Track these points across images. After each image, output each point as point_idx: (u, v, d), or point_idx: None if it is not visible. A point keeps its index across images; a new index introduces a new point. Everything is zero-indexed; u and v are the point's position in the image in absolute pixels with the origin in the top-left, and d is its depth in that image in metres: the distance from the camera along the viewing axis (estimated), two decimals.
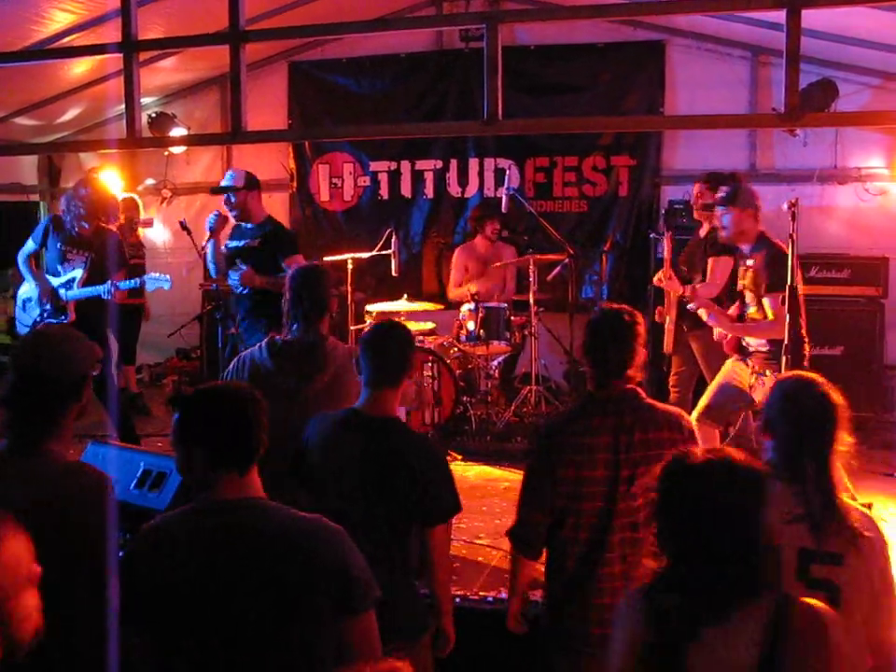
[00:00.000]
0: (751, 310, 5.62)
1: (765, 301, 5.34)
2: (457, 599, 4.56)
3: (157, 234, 10.18)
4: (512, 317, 7.75)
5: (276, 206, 10.03)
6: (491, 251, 8.52)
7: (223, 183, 6.74)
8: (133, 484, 5.17)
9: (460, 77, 9.18)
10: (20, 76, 7.39)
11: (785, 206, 5.15)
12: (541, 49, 8.99)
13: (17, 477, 2.74)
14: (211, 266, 6.74)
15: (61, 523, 2.60)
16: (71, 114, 9.21)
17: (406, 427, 3.68)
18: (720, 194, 5.73)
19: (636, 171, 8.98)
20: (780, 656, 2.08)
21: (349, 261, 8.07)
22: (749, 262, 5.57)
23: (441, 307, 8.40)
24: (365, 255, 8.21)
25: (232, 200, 6.59)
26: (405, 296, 8.11)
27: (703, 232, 6.62)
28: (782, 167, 8.57)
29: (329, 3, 8.04)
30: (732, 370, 5.85)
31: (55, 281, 6.89)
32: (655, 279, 6.50)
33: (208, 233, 6.66)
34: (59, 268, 6.92)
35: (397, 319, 8.14)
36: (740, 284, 5.74)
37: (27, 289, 7.04)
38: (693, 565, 2.17)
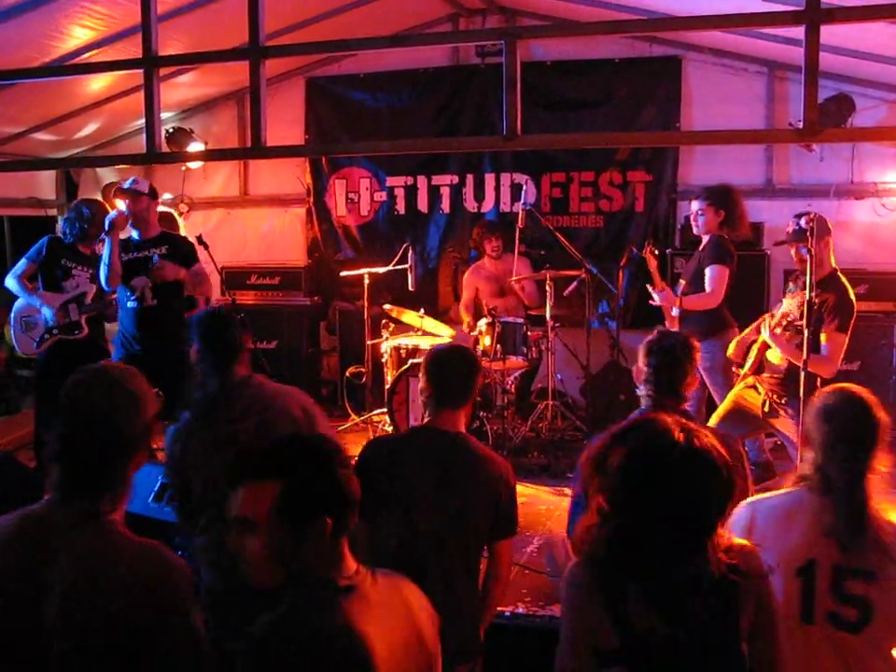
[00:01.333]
0: (790, 331, 5.58)
1: (825, 337, 5.32)
2: None
3: None
4: (529, 332, 7.74)
5: (293, 221, 10.09)
6: (501, 268, 8.49)
7: (127, 185, 6.73)
8: (150, 497, 5.19)
9: (476, 92, 9.20)
10: (38, 91, 7.44)
11: (803, 222, 5.17)
12: (558, 65, 9.00)
13: (73, 556, 2.30)
14: (104, 270, 6.53)
15: (125, 623, 2.26)
16: (89, 129, 9.26)
17: (477, 442, 3.70)
18: (792, 227, 5.72)
19: (652, 186, 8.98)
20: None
21: (365, 276, 8.11)
22: (814, 295, 5.53)
23: (453, 332, 8.40)
24: (381, 270, 8.23)
25: (136, 205, 6.58)
26: (421, 311, 8.12)
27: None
28: (798, 182, 8.56)
29: (346, 19, 8.08)
30: (741, 395, 5.84)
31: (57, 299, 7.00)
32: (651, 291, 6.54)
33: (105, 231, 6.55)
34: (63, 285, 7.01)
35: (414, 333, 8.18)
36: (788, 308, 5.68)
37: (25, 308, 7.10)
38: (642, 532, 2.28)
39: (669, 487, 2.26)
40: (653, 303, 6.60)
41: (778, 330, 5.54)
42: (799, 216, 5.74)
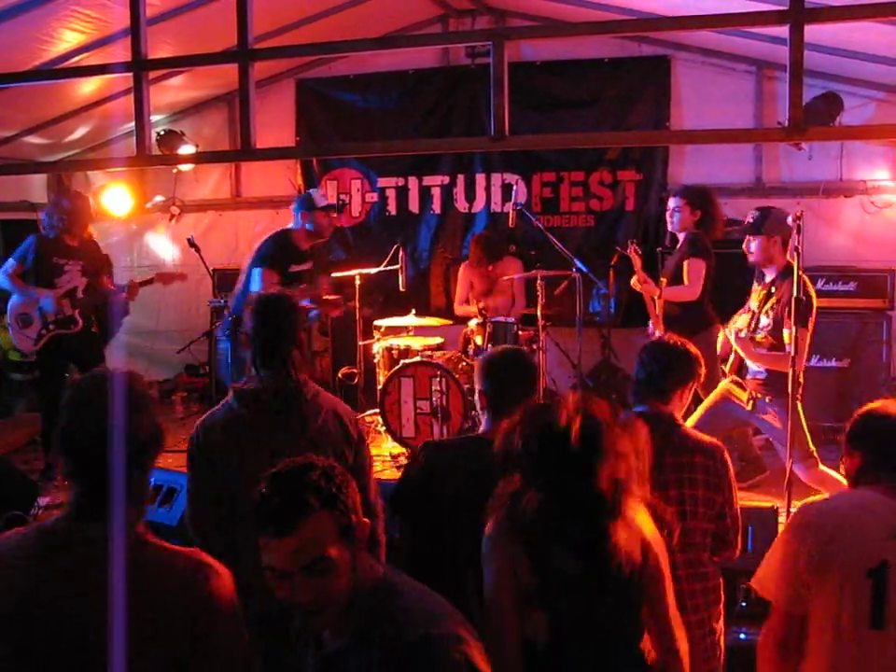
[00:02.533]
0: (760, 335, 5.65)
1: (787, 332, 5.35)
2: None
3: (165, 251, 10.24)
4: (520, 332, 7.76)
5: (284, 222, 10.05)
6: (494, 268, 8.53)
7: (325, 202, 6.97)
8: None
9: (467, 93, 9.22)
10: (29, 95, 7.45)
11: (790, 219, 5.22)
12: (547, 65, 9.03)
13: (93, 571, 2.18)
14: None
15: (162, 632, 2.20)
16: (79, 132, 9.27)
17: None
18: (748, 220, 5.79)
19: (642, 185, 9.00)
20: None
21: (357, 277, 8.11)
22: (773, 290, 5.61)
23: (449, 322, 8.43)
24: (372, 270, 8.24)
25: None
26: (413, 311, 8.14)
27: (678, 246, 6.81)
28: (788, 180, 8.59)
29: (336, 21, 8.10)
30: (728, 388, 5.88)
31: (50, 293, 7.11)
32: (632, 282, 6.59)
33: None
34: (55, 281, 7.11)
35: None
36: (753, 305, 5.76)
37: (19, 305, 7.18)
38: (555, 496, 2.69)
39: (563, 454, 2.67)
40: (634, 286, 6.62)
41: (743, 334, 5.61)
42: (759, 209, 5.84)
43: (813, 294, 5.52)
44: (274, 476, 2.28)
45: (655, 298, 6.45)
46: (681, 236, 6.75)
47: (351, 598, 2.28)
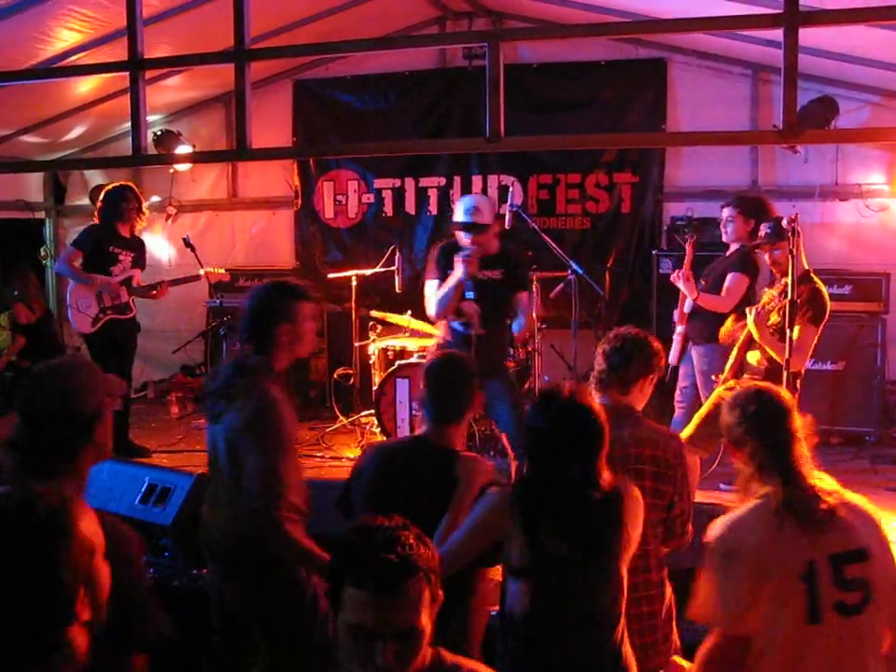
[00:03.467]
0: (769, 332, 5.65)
1: (797, 328, 5.35)
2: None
3: (162, 251, 10.24)
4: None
5: (281, 223, 10.11)
6: None
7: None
8: (137, 499, 5.20)
9: (463, 94, 9.23)
10: (26, 94, 7.46)
11: (785, 222, 5.22)
12: (544, 67, 9.05)
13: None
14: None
15: None
16: (76, 132, 9.28)
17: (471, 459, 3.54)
18: (765, 231, 5.77)
19: (638, 188, 9.02)
20: None
21: (353, 278, 8.12)
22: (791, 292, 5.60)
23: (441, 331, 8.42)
24: (368, 272, 8.25)
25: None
26: (409, 312, 8.14)
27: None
28: (784, 183, 8.62)
29: (333, 21, 8.11)
30: (722, 396, 5.87)
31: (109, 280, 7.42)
32: (673, 276, 6.57)
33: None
34: (111, 269, 7.44)
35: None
36: (767, 306, 5.76)
37: (77, 289, 7.44)
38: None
39: (558, 429, 2.94)
40: (673, 281, 6.59)
41: (761, 312, 5.61)
42: (771, 219, 5.84)
43: (828, 300, 5.55)
44: (383, 530, 2.19)
45: (692, 299, 6.45)
46: (733, 246, 6.64)
47: None
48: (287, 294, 3.93)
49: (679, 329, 6.58)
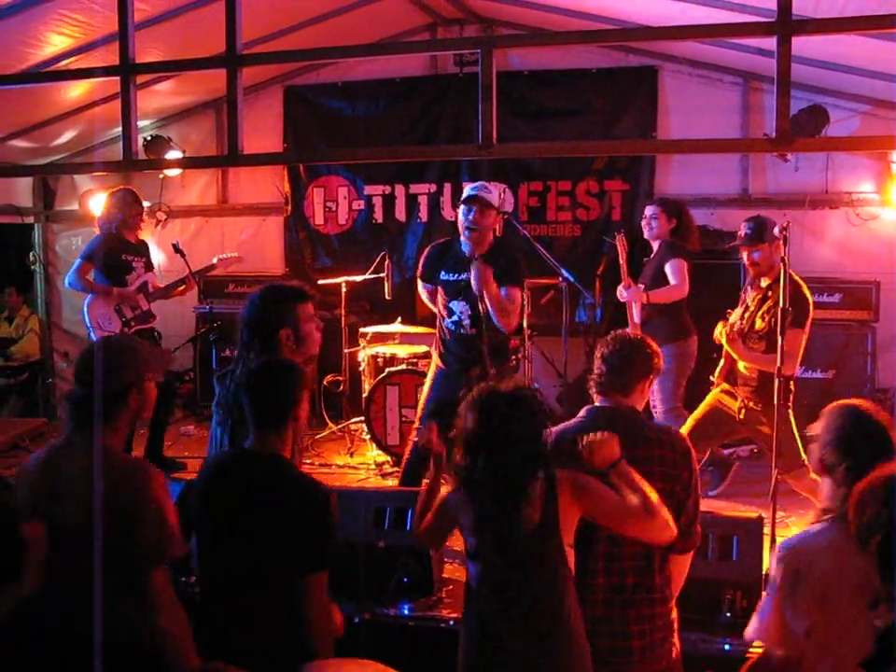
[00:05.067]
0: (753, 339, 5.66)
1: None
2: (451, 622, 4.61)
3: (151, 256, 10.18)
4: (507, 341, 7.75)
5: (271, 229, 10.09)
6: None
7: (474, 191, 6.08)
8: None
9: (454, 101, 9.24)
10: (15, 98, 7.42)
11: (776, 230, 5.24)
12: (535, 75, 9.05)
13: (74, 463, 3.24)
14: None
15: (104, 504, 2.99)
16: (66, 137, 9.24)
17: (291, 466, 3.52)
18: (744, 231, 5.81)
19: (629, 195, 9.03)
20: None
21: (343, 284, 8.11)
22: (769, 294, 5.63)
23: (434, 331, 8.41)
24: (358, 278, 8.24)
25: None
26: (399, 319, 8.14)
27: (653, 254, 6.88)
28: (774, 192, 8.63)
29: (325, 28, 8.10)
30: (719, 398, 5.90)
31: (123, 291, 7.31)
32: (618, 292, 6.62)
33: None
34: (126, 278, 7.31)
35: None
36: (747, 310, 5.77)
37: (95, 305, 7.28)
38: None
39: (492, 420, 3.12)
40: (622, 299, 6.65)
41: (736, 327, 5.62)
42: (750, 220, 5.87)
43: (809, 297, 5.57)
44: None
45: (642, 303, 6.50)
46: (656, 244, 6.82)
47: None
48: (285, 298, 3.97)
49: None
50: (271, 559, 3.27)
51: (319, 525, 3.29)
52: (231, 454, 3.69)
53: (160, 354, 3.68)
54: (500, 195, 5.88)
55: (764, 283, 5.77)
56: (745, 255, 5.87)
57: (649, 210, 6.86)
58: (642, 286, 6.60)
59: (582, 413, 3.70)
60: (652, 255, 6.83)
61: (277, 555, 3.25)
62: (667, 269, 6.56)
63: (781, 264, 5.08)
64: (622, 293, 6.61)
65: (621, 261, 6.61)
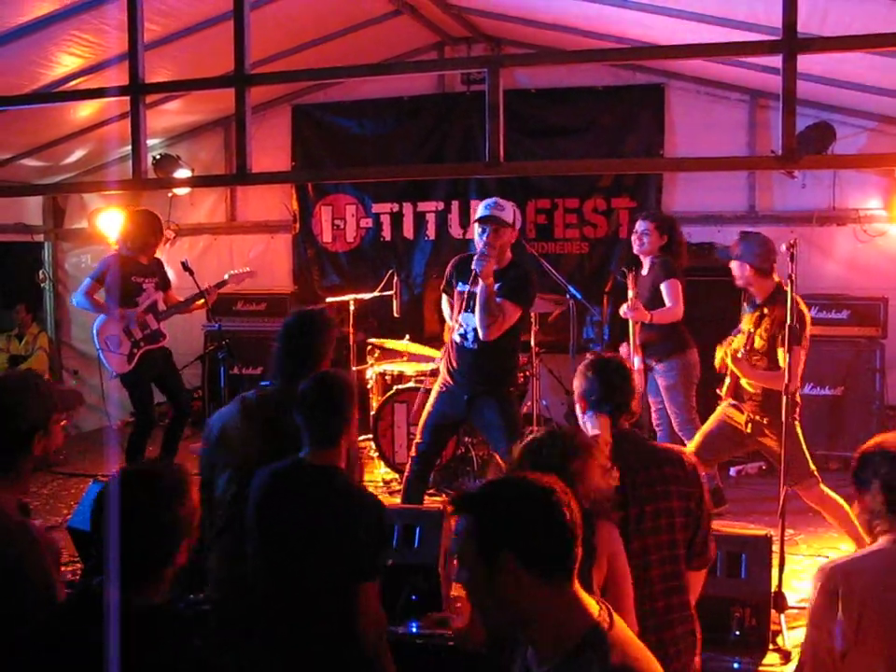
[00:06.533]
0: (755, 357, 5.66)
1: (781, 352, 5.35)
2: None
3: None
4: None
5: (279, 247, 10.12)
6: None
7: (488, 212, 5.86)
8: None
9: (462, 119, 9.27)
10: (26, 118, 7.48)
11: (784, 247, 5.24)
12: (542, 92, 9.09)
13: None
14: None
15: None
16: (76, 156, 9.30)
17: (346, 477, 3.58)
18: (733, 246, 5.84)
19: (636, 213, 9.00)
20: None
21: (351, 302, 8.11)
22: (766, 311, 5.63)
23: (440, 355, 8.41)
24: (367, 296, 8.25)
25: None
26: (407, 337, 8.14)
27: (645, 271, 6.83)
28: (781, 209, 8.64)
29: (333, 47, 8.14)
30: (726, 413, 5.89)
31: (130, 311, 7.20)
32: (621, 311, 6.62)
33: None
34: (136, 299, 7.24)
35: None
36: (746, 328, 5.78)
37: (104, 327, 7.20)
38: None
39: None
40: (624, 315, 6.65)
41: (740, 354, 5.62)
42: (743, 234, 5.89)
43: (806, 312, 5.55)
44: None
45: (644, 323, 6.51)
46: (647, 261, 6.79)
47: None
48: (327, 327, 4.23)
49: (636, 361, 6.55)
50: (325, 569, 3.31)
51: (372, 535, 3.35)
52: (287, 466, 3.59)
53: (69, 393, 3.31)
54: (514, 210, 5.79)
55: (758, 300, 5.76)
56: (735, 265, 5.87)
57: (640, 225, 6.79)
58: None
59: None
60: (645, 272, 6.81)
61: (331, 565, 3.31)
62: (663, 289, 6.56)
63: (789, 281, 5.06)
64: (627, 313, 6.61)
65: (631, 295, 6.59)
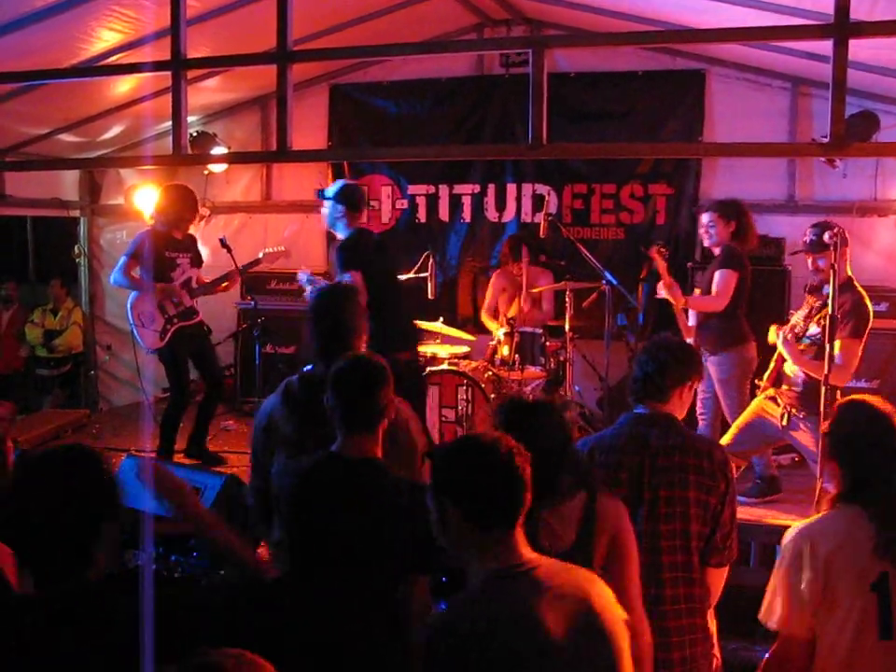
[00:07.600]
0: (805, 342, 5.60)
1: (839, 344, 5.29)
2: None
3: None
4: (547, 343, 7.73)
5: (314, 227, 10.10)
6: (527, 276, 8.46)
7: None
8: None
9: (500, 102, 9.22)
10: (65, 93, 7.50)
11: (827, 236, 5.18)
12: (581, 76, 9.02)
13: None
14: None
15: None
16: (112, 132, 9.32)
17: (387, 468, 3.38)
18: (809, 238, 5.74)
19: (673, 199, 8.97)
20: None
21: None
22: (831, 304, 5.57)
23: (474, 338, 8.40)
24: (401, 277, 8.23)
25: None
26: (441, 319, 8.12)
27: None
28: (821, 198, 8.52)
29: (371, 26, 8.11)
30: (762, 406, 5.84)
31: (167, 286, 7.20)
32: (658, 288, 6.55)
33: None
34: (171, 274, 7.23)
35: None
36: (798, 320, 5.72)
37: (138, 303, 7.20)
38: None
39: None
40: (659, 293, 6.58)
41: (790, 336, 5.56)
42: (816, 226, 5.78)
43: (871, 308, 5.50)
44: None
45: (681, 307, 6.45)
46: (717, 251, 6.65)
47: None
48: (350, 299, 4.17)
49: (689, 342, 6.47)
50: (374, 565, 3.16)
51: (423, 528, 2.96)
52: (322, 460, 3.37)
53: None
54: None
55: (827, 290, 5.69)
56: (809, 261, 5.79)
57: (705, 217, 6.66)
58: (697, 291, 6.53)
59: (619, 419, 3.66)
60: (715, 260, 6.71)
61: (380, 561, 3.16)
62: (715, 278, 6.44)
63: (832, 271, 5.01)
64: (661, 291, 6.54)
65: (660, 270, 6.53)
